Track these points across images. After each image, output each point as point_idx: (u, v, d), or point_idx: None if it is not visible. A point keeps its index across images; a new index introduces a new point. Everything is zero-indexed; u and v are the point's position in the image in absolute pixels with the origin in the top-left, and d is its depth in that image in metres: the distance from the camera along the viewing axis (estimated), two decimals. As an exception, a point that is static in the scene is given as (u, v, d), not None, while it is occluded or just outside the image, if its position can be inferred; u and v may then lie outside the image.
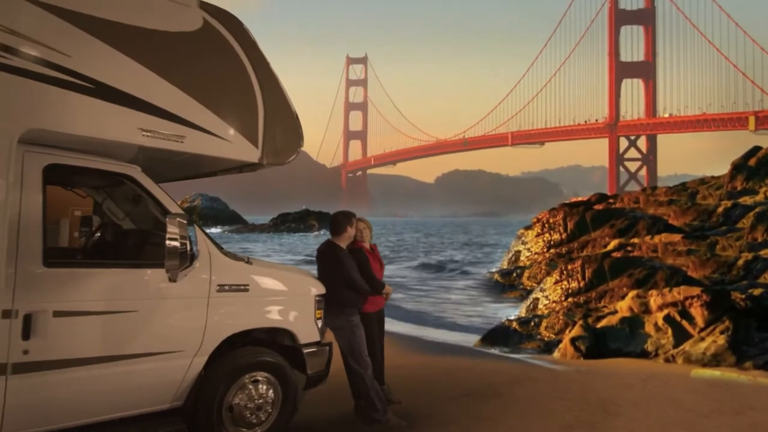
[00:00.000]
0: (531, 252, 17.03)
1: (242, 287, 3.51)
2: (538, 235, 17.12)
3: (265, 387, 3.56)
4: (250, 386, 3.51)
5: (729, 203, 16.03)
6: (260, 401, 3.54)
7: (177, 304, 3.27)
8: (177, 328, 3.27)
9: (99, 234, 4.08)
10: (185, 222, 3.05)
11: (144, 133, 3.08)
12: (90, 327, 2.98)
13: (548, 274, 12.29)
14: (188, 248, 3.08)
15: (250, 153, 3.62)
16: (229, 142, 3.47)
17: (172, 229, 2.99)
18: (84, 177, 3.57)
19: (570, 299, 10.27)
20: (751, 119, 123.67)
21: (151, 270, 3.17)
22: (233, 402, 3.44)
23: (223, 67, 3.54)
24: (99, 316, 3.00)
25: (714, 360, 6.66)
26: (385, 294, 4.46)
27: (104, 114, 2.96)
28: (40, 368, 2.79)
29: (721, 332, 6.94)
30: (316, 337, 3.92)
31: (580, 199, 22.30)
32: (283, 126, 3.81)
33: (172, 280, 3.09)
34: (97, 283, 3.03)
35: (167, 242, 2.99)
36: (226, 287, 3.44)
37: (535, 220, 17.95)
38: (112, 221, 4.16)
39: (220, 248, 3.56)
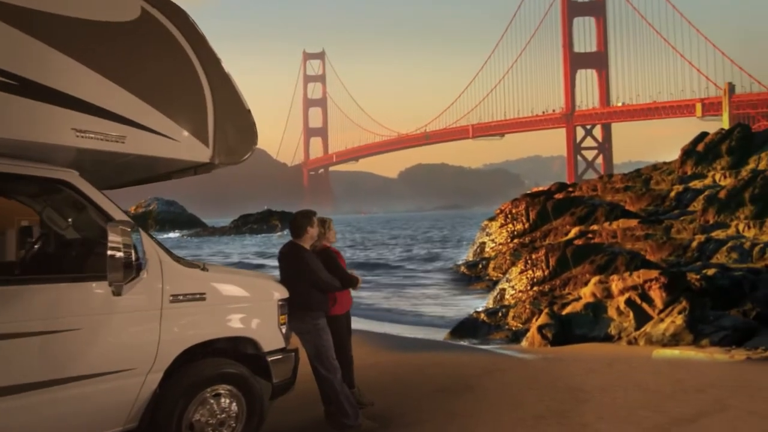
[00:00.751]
0: (495, 243, 17.27)
1: (198, 296, 3.30)
2: (501, 226, 17.38)
3: (227, 400, 3.36)
4: (212, 401, 3.31)
5: (681, 188, 16.73)
6: (223, 416, 3.34)
7: (126, 319, 3.03)
8: (127, 345, 3.03)
9: (38, 246, 3.75)
10: (129, 229, 2.81)
11: (78, 134, 2.81)
12: (27, 350, 2.71)
13: (513, 264, 12.46)
14: (133, 258, 2.84)
15: (200, 152, 3.39)
16: (176, 142, 3.23)
17: (114, 238, 2.74)
18: (14, 184, 3.25)
19: (535, 288, 10.42)
20: (698, 106, 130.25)
21: (96, 283, 2.91)
22: (193, 419, 3.23)
23: (166, 60, 3.28)
24: (37, 337, 2.73)
25: (673, 340, 6.88)
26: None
27: (31, 114, 2.68)
28: None
29: (679, 312, 7.18)
30: (281, 344, 3.74)
31: (541, 188, 22.77)
32: (235, 123, 3.59)
33: (117, 293, 2.85)
34: (33, 300, 2.76)
35: (109, 253, 2.74)
36: (181, 297, 3.21)
37: (498, 211, 18.21)
38: (54, 231, 3.84)
39: (173, 255, 3.33)
